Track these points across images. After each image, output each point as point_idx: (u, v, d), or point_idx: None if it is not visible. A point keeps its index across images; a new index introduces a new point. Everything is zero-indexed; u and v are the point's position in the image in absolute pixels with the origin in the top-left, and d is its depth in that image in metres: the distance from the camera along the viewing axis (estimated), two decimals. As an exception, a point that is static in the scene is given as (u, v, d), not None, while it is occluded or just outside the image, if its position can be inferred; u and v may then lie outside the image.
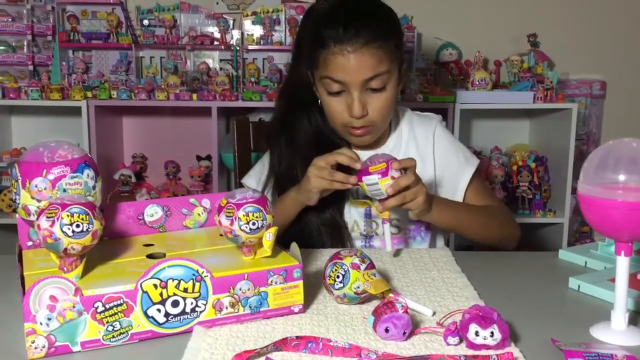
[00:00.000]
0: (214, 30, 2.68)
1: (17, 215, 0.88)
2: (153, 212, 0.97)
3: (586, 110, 2.78)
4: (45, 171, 0.83)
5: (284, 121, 1.33)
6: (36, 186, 0.82)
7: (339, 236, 1.27)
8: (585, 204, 0.79)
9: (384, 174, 1.07)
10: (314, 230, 1.26)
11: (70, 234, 0.75)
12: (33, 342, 0.73)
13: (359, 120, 1.22)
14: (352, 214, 1.30)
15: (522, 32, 2.69)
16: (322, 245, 1.23)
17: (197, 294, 0.79)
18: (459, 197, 1.33)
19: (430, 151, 1.34)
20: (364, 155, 1.30)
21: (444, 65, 2.68)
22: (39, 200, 0.82)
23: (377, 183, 1.08)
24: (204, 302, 0.80)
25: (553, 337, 0.77)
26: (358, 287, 0.86)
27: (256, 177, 1.37)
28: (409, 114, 1.38)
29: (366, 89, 1.20)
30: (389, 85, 1.21)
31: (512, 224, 1.34)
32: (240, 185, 1.45)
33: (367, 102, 1.20)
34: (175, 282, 0.77)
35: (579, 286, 0.97)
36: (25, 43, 2.62)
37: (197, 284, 0.79)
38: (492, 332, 0.74)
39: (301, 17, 2.55)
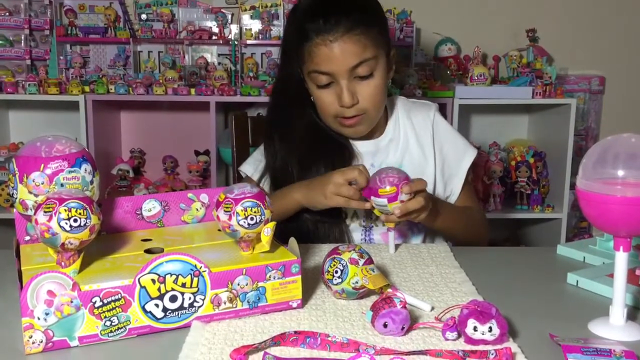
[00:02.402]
0: (212, 25, 2.67)
1: (14, 210, 0.87)
2: (151, 207, 0.96)
3: (585, 105, 2.78)
4: (42, 166, 0.82)
5: (277, 118, 1.33)
6: (34, 181, 0.82)
7: (338, 232, 1.27)
8: (584, 200, 0.79)
9: (394, 198, 1.07)
10: (311, 227, 1.26)
11: (67, 228, 0.74)
12: (30, 337, 0.73)
13: (350, 110, 1.21)
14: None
15: (521, 27, 2.69)
16: (320, 241, 1.23)
17: (195, 289, 0.79)
18: (456, 188, 1.35)
19: (429, 141, 1.34)
20: (363, 146, 1.30)
21: (443, 60, 2.67)
22: (36, 195, 0.82)
23: (386, 205, 1.08)
24: (202, 297, 0.79)
25: (551, 332, 0.77)
26: (356, 282, 0.86)
27: (254, 165, 1.37)
28: (404, 102, 1.38)
29: (354, 77, 1.20)
30: (376, 71, 1.21)
31: (485, 227, 1.37)
32: (239, 178, 1.45)
33: (356, 90, 1.21)
34: (174, 277, 0.77)
35: (577, 281, 0.97)
36: (22, 37, 2.62)
37: (195, 279, 0.78)
38: (490, 327, 0.74)
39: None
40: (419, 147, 1.33)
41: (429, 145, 1.34)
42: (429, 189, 1.28)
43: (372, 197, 1.09)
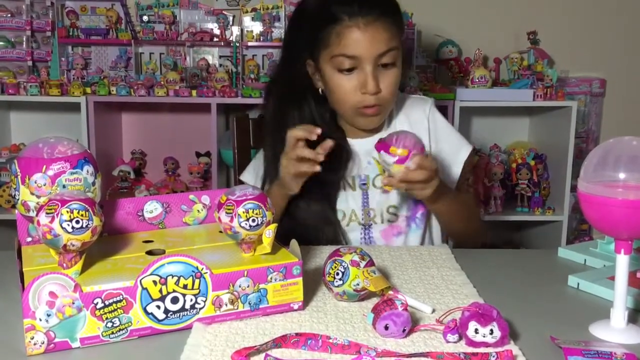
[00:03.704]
0: (213, 27, 2.67)
1: (16, 211, 0.87)
2: (152, 208, 0.96)
3: (586, 108, 2.78)
4: (44, 167, 0.82)
5: (276, 118, 1.31)
6: (35, 182, 0.82)
7: (332, 233, 1.27)
8: (585, 202, 0.79)
9: (401, 161, 1.08)
10: (302, 230, 1.25)
11: (69, 230, 0.75)
12: (32, 338, 0.73)
13: (371, 98, 1.21)
14: (350, 204, 1.30)
15: (522, 29, 2.69)
16: (317, 241, 1.22)
17: (197, 291, 0.79)
18: (452, 182, 1.34)
19: (425, 135, 1.33)
20: (361, 145, 1.31)
21: (444, 62, 2.67)
22: (38, 196, 0.82)
23: (392, 165, 1.09)
24: (204, 298, 0.80)
25: (552, 335, 0.77)
26: (357, 285, 0.86)
27: (254, 172, 1.37)
28: (401, 97, 1.38)
29: (378, 64, 1.20)
30: (397, 61, 1.22)
31: (480, 220, 1.41)
32: (240, 182, 1.45)
33: (379, 78, 1.21)
34: (175, 278, 0.77)
35: (578, 284, 0.97)
36: (24, 39, 2.62)
37: (197, 281, 0.79)
38: (491, 330, 0.74)
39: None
40: None
41: (424, 138, 1.32)
42: None
43: (382, 152, 1.09)
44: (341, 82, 1.22)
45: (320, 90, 1.27)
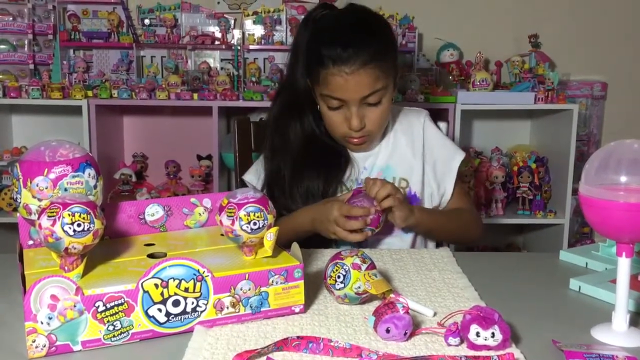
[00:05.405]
0: (214, 30, 2.68)
1: (18, 214, 0.88)
2: (154, 211, 0.97)
3: (587, 111, 2.78)
4: (46, 170, 0.83)
5: (277, 123, 1.36)
6: (37, 185, 0.82)
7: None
8: (586, 205, 0.79)
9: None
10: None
11: (71, 233, 0.75)
12: (34, 341, 0.73)
13: (357, 132, 1.27)
14: None
15: (523, 32, 2.69)
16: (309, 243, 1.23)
17: (198, 294, 0.79)
18: (449, 187, 1.38)
19: (420, 143, 1.38)
20: (360, 157, 1.36)
21: (445, 65, 2.67)
22: (40, 200, 0.82)
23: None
24: (205, 301, 0.80)
25: (554, 338, 0.77)
26: (359, 288, 0.86)
27: (256, 174, 1.40)
28: (396, 109, 1.42)
29: (363, 103, 1.24)
30: (384, 98, 1.26)
31: (478, 225, 1.42)
32: (241, 183, 1.46)
33: (365, 114, 1.26)
34: (176, 281, 0.77)
35: (579, 287, 0.97)
36: (26, 42, 2.62)
37: (198, 284, 0.79)
38: (493, 333, 0.74)
39: (302, 17, 2.56)
40: (409, 148, 1.37)
41: (419, 147, 1.38)
42: (417, 188, 1.34)
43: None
44: (330, 115, 1.28)
45: (318, 106, 1.31)
